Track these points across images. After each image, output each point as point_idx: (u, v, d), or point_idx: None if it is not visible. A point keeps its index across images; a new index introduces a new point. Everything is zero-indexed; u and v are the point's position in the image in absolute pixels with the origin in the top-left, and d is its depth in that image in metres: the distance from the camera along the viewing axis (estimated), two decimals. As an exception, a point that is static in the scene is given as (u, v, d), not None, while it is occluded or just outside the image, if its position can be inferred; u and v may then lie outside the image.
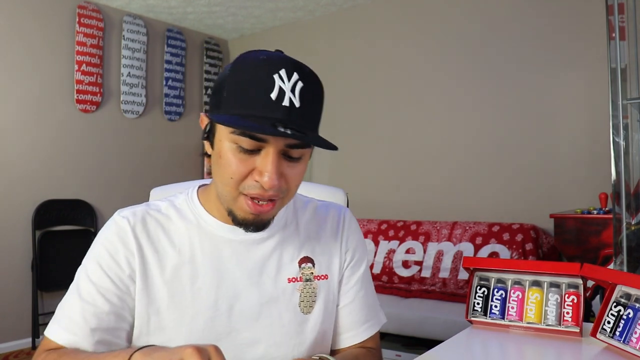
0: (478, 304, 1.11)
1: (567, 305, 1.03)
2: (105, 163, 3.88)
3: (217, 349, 0.62)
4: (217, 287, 0.81)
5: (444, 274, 3.06)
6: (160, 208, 0.85)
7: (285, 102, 0.69)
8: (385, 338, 2.84)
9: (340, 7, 3.99)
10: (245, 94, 0.69)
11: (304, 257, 0.88)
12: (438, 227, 3.29)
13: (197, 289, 0.81)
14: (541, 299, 1.05)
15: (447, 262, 3.09)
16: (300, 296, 0.86)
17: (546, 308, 1.04)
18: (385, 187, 3.79)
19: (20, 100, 3.43)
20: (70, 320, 0.77)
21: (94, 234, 3.67)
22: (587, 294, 2.28)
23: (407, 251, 3.28)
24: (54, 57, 3.59)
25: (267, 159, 0.71)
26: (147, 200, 1.06)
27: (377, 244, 3.41)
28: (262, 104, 0.68)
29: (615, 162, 1.75)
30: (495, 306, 1.09)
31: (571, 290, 1.04)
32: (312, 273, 0.87)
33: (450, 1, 3.53)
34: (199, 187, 0.89)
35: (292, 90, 0.69)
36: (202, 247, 0.83)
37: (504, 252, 2.95)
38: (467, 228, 3.18)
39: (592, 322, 1.00)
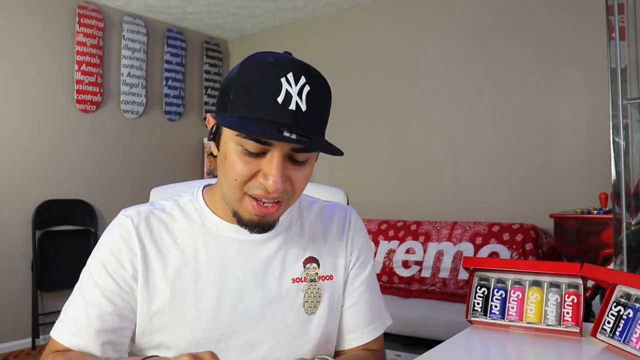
0: (478, 304, 1.11)
1: (567, 305, 1.03)
2: (105, 163, 3.88)
3: (213, 355, 0.62)
4: (221, 287, 0.81)
5: (444, 274, 3.06)
6: (165, 207, 0.85)
7: (292, 106, 0.68)
8: (386, 338, 2.82)
9: (340, 7, 3.99)
10: (251, 96, 0.69)
11: (309, 257, 0.87)
12: (438, 227, 3.29)
13: (200, 289, 0.80)
14: (541, 299, 1.05)
15: (447, 262, 3.09)
16: (305, 296, 0.85)
17: (546, 308, 1.05)
18: (385, 187, 3.79)
19: (21, 100, 3.43)
20: (76, 322, 0.77)
21: (94, 234, 3.67)
22: (587, 294, 2.28)
23: (407, 251, 3.28)
24: (54, 57, 3.59)
25: (272, 163, 0.71)
26: (147, 200, 1.07)
27: (377, 244, 3.41)
28: (268, 108, 0.68)
29: (615, 162, 1.75)
30: (495, 306, 1.09)
31: (571, 290, 1.04)
32: (316, 273, 0.87)
33: (450, 2, 3.54)
34: (204, 187, 0.89)
35: (299, 94, 0.69)
36: (206, 246, 0.82)
37: (504, 252, 2.95)
38: (467, 228, 3.18)
39: (592, 322, 1.00)
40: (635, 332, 0.89)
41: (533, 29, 3.19)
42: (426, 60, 3.63)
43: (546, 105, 3.15)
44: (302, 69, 0.70)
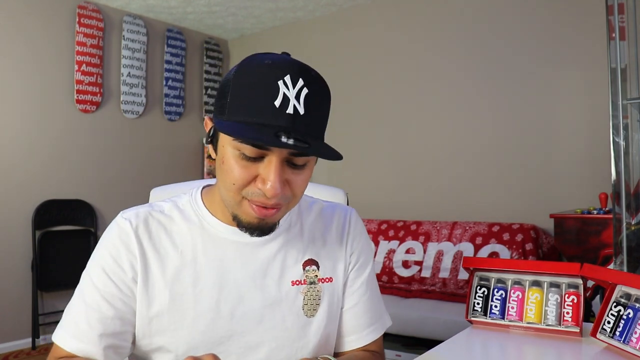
0: (478, 304, 1.11)
1: (567, 305, 1.03)
2: (105, 163, 3.88)
3: (214, 357, 0.62)
4: (220, 289, 0.80)
5: (444, 274, 3.06)
6: (163, 209, 0.85)
7: (290, 110, 0.67)
8: (386, 338, 2.83)
9: (340, 7, 3.99)
10: (248, 100, 0.68)
11: (308, 259, 0.87)
12: (438, 227, 3.29)
13: (199, 291, 0.80)
14: (541, 299, 1.05)
15: (447, 262, 3.09)
16: (304, 299, 0.85)
17: (546, 308, 1.04)
18: (385, 187, 3.79)
19: (21, 100, 3.43)
20: (77, 326, 0.77)
21: (94, 234, 3.67)
22: (587, 294, 2.28)
23: (407, 251, 3.28)
24: (54, 57, 3.59)
25: (269, 168, 0.70)
26: (147, 200, 1.06)
27: (377, 244, 3.41)
28: (265, 112, 0.67)
29: (615, 162, 1.75)
30: (495, 306, 1.09)
31: (571, 290, 1.04)
32: (316, 276, 0.86)
33: (450, 2, 3.54)
34: (203, 188, 0.88)
35: (297, 97, 0.68)
36: (205, 248, 0.82)
37: (504, 252, 2.95)
38: (467, 228, 3.18)
39: (592, 322, 1.00)
40: (635, 332, 0.89)
41: (533, 29, 3.19)
42: (426, 60, 3.63)
43: (546, 105, 3.15)
44: (300, 71, 0.69)
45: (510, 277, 1.11)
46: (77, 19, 3.68)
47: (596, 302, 2.32)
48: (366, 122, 3.88)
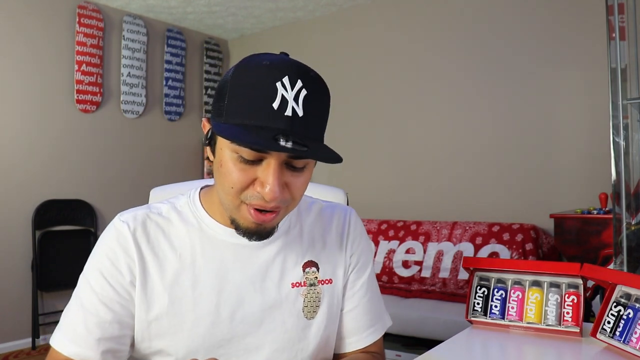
0: (478, 304, 1.11)
1: (567, 305, 1.03)
2: (105, 163, 3.88)
3: None
4: (219, 292, 0.80)
5: (444, 274, 3.06)
6: (161, 211, 0.84)
7: (288, 112, 0.66)
8: (386, 338, 2.82)
9: (340, 7, 3.99)
10: (246, 102, 0.67)
11: (308, 261, 0.86)
12: (438, 227, 3.29)
13: (198, 294, 0.79)
14: (541, 299, 1.05)
15: (447, 262, 3.09)
16: (304, 301, 0.84)
17: (546, 308, 1.04)
18: (385, 187, 3.79)
19: (21, 100, 3.43)
20: (75, 331, 0.76)
21: (94, 234, 3.67)
22: (587, 294, 2.28)
23: (407, 251, 3.28)
24: (54, 57, 3.59)
25: (268, 171, 0.69)
26: (147, 200, 1.06)
27: (377, 244, 3.41)
28: (263, 114, 0.66)
29: (615, 162, 1.75)
30: (495, 306, 1.09)
31: (571, 290, 1.04)
32: (316, 277, 0.86)
33: (450, 2, 3.54)
34: (201, 189, 0.87)
35: (296, 99, 0.67)
36: (204, 251, 0.81)
37: (504, 252, 2.95)
38: (467, 228, 3.18)
39: (592, 322, 1.00)
40: (635, 332, 0.89)
41: (533, 29, 3.19)
42: (426, 60, 3.63)
43: (546, 105, 3.15)
44: (298, 72, 0.68)
45: (510, 277, 1.11)
46: (77, 19, 3.68)
47: (596, 302, 2.32)
48: (366, 122, 3.88)
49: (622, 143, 1.74)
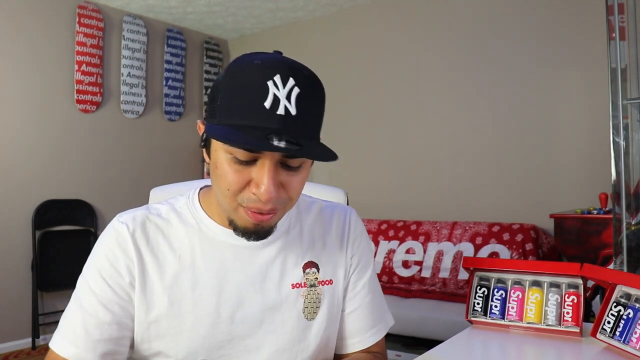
0: (478, 304, 1.11)
1: (567, 305, 1.03)
2: (105, 163, 3.88)
3: None
4: (219, 293, 0.79)
5: (444, 274, 3.06)
6: (160, 212, 0.83)
7: (280, 111, 0.65)
8: (386, 338, 2.82)
9: (340, 7, 3.99)
10: (238, 102, 0.66)
11: (308, 262, 0.85)
12: (438, 227, 3.29)
13: (198, 295, 0.79)
14: (541, 299, 1.05)
15: (447, 262, 3.09)
16: (305, 302, 0.84)
17: (546, 308, 1.04)
18: (385, 187, 3.79)
19: (21, 100, 3.43)
20: (73, 332, 0.76)
21: (94, 234, 3.67)
22: (587, 294, 2.28)
23: (407, 251, 3.28)
24: (54, 57, 3.59)
25: (262, 171, 0.69)
26: (147, 200, 1.06)
27: (377, 244, 3.41)
28: (255, 113, 0.65)
29: (615, 162, 1.75)
30: (495, 306, 1.09)
31: (571, 290, 1.04)
32: (316, 278, 0.85)
33: (450, 2, 3.54)
34: (201, 189, 0.87)
35: (288, 97, 0.65)
36: (203, 252, 0.80)
37: (504, 252, 2.95)
38: (467, 228, 3.18)
39: (592, 322, 1.00)
40: (635, 332, 0.89)
41: (533, 29, 3.19)
42: (426, 60, 3.63)
43: (546, 105, 3.15)
44: (290, 70, 0.67)
45: (510, 277, 1.11)
46: (77, 19, 3.68)
47: (596, 302, 2.32)
48: (366, 122, 3.88)
49: (622, 143, 1.74)
